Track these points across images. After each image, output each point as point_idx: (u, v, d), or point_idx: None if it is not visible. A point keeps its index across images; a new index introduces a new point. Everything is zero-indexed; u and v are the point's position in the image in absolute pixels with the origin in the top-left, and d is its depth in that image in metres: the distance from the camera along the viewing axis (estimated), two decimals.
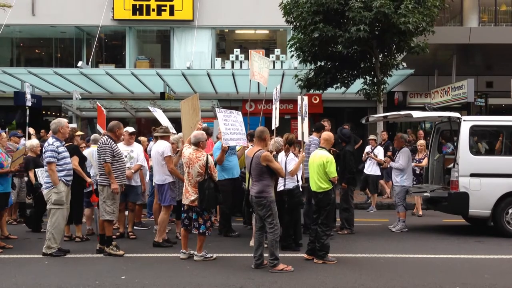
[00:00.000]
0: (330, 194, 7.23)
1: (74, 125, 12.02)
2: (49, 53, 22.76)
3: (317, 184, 7.24)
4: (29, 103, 13.61)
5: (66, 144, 7.96)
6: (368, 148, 12.61)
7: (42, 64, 21.94)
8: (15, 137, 11.06)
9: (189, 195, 7.01)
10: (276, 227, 6.63)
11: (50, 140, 7.45)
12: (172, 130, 9.27)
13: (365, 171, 12.38)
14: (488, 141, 11.88)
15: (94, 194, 8.12)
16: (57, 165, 7.30)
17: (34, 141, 9.96)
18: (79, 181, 8.09)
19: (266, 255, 6.69)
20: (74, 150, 8.20)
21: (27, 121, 13.06)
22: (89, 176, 8.49)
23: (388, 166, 10.86)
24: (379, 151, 12.42)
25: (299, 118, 8.17)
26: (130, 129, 9.05)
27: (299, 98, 8.29)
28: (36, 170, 8.77)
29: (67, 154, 7.49)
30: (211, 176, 6.98)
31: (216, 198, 6.95)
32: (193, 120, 8.39)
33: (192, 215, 7.05)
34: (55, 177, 7.26)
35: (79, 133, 9.57)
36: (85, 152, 8.86)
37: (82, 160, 8.46)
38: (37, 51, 24.15)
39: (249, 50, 20.25)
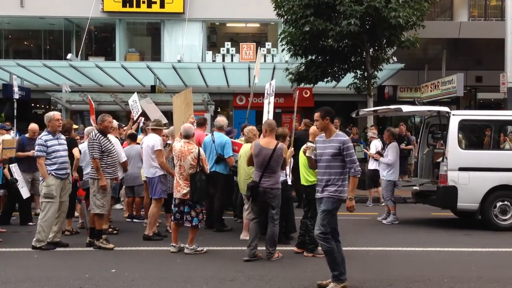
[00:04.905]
0: None
1: None
2: (38, 45, 22.56)
3: (305, 177, 7.27)
4: (16, 96, 13.46)
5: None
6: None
7: (31, 56, 21.74)
8: (3, 130, 10.98)
9: (181, 189, 7.00)
10: (279, 218, 6.91)
11: (42, 133, 7.41)
12: (164, 120, 9.26)
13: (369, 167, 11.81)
14: (476, 135, 11.96)
15: (81, 188, 8.07)
16: (46, 158, 7.24)
17: (6, 136, 9.81)
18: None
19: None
20: (72, 143, 8.14)
21: (15, 113, 12.92)
22: (81, 169, 8.41)
23: (380, 159, 10.87)
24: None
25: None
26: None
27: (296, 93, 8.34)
28: (10, 166, 8.71)
29: (59, 147, 7.35)
30: (203, 169, 7.00)
31: (207, 190, 6.98)
32: (185, 114, 8.37)
33: (184, 209, 7.04)
34: (43, 171, 7.21)
35: (75, 126, 9.49)
36: None
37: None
38: (25, 43, 23.93)
39: (240, 43, 20.27)
